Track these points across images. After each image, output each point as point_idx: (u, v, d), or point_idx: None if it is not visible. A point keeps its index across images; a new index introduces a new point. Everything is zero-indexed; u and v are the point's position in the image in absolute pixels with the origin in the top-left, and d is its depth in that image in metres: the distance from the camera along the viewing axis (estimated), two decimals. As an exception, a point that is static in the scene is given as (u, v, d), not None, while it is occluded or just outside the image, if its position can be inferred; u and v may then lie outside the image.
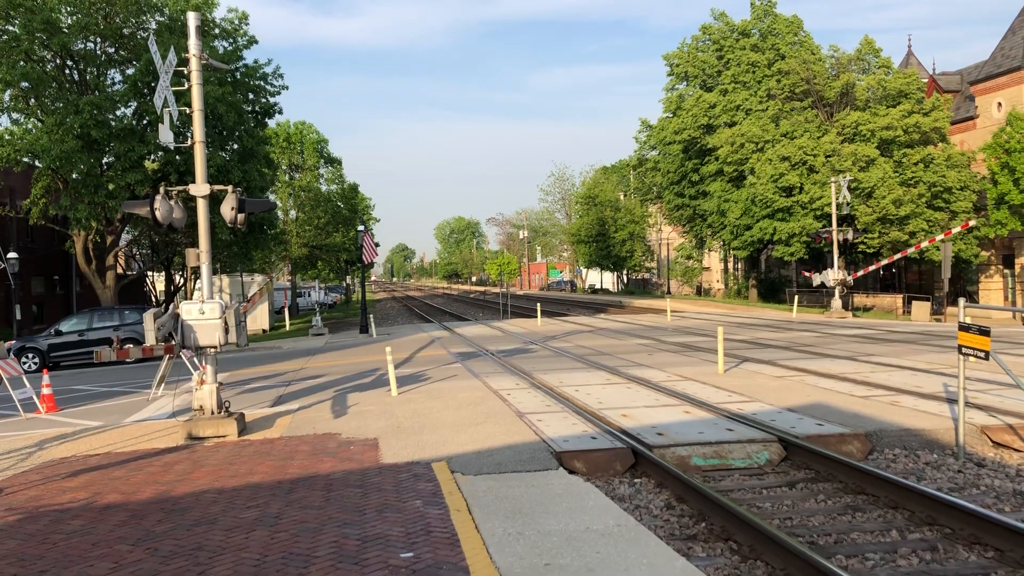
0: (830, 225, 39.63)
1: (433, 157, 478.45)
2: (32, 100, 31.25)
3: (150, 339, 11.35)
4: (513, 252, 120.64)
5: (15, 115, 31.61)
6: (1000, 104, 44.24)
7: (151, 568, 6.46)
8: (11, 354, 18.47)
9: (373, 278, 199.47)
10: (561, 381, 16.16)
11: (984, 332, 9.43)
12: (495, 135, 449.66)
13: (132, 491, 9.02)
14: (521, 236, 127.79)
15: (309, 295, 77.08)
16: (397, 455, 10.15)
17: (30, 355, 26.81)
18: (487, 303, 72.79)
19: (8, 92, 30.52)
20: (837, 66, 47.72)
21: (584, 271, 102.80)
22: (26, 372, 20.47)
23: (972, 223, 37.86)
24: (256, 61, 36.78)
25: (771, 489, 8.98)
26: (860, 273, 42.57)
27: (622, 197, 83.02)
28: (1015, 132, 38.12)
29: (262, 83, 36.76)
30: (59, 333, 27.76)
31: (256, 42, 36.83)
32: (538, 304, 44.38)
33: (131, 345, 14.93)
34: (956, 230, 36.52)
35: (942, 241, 34.15)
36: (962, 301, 10.32)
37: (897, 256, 39.00)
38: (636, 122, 75.52)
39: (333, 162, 70.58)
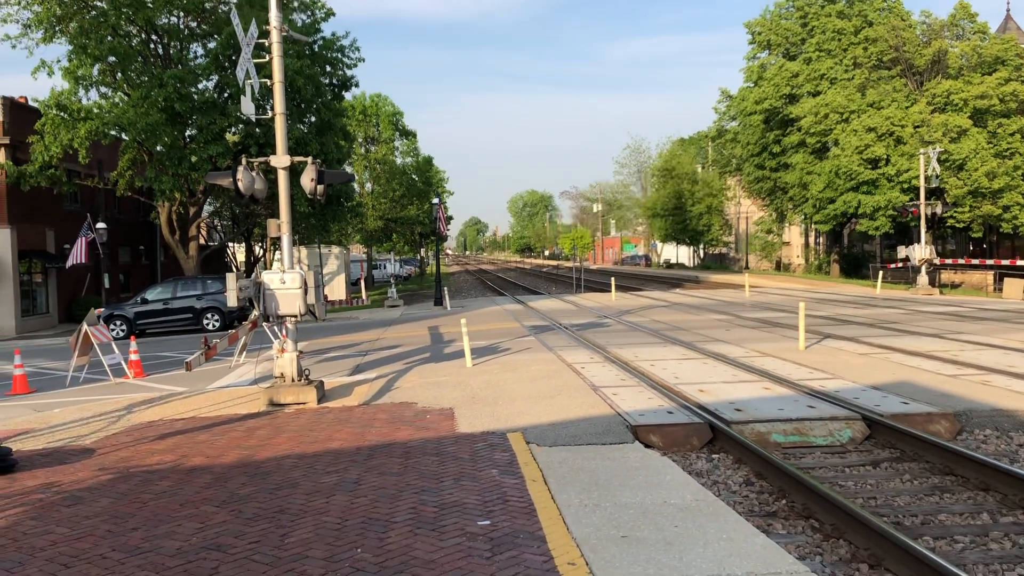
0: (917, 198, 38.27)
1: (507, 130, 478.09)
2: (119, 74, 32.09)
3: (232, 299, 11.60)
4: (587, 226, 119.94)
5: (103, 89, 32.55)
6: (1104, 71, 41.94)
7: (236, 529, 6.62)
8: (101, 321, 19.15)
9: (447, 251, 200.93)
10: (636, 355, 16.02)
11: (1086, 309, 8.97)
12: (571, 108, 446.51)
13: (216, 454, 9.27)
14: (595, 210, 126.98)
15: (384, 267, 78.05)
16: (472, 425, 10.20)
17: (118, 322, 27.76)
18: (560, 277, 72.65)
19: (96, 67, 31.39)
20: (928, 32, 45.87)
21: (659, 245, 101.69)
22: (114, 339, 21.21)
23: None
24: (333, 34, 37.09)
25: (854, 468, 8.75)
26: (969, 261, 40.86)
27: (700, 169, 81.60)
28: (1121, 100, 36.16)
29: (339, 56, 37.04)
30: (145, 301, 28.68)
31: (333, 14, 37.12)
32: (612, 278, 44.08)
33: (217, 341, 15.37)
34: None
35: None
36: (1062, 277, 9.84)
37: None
38: (715, 93, 74.02)
39: (408, 135, 70.97)
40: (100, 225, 32.64)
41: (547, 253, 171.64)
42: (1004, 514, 7.18)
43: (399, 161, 69.78)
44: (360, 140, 65.22)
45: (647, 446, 9.23)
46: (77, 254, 31.76)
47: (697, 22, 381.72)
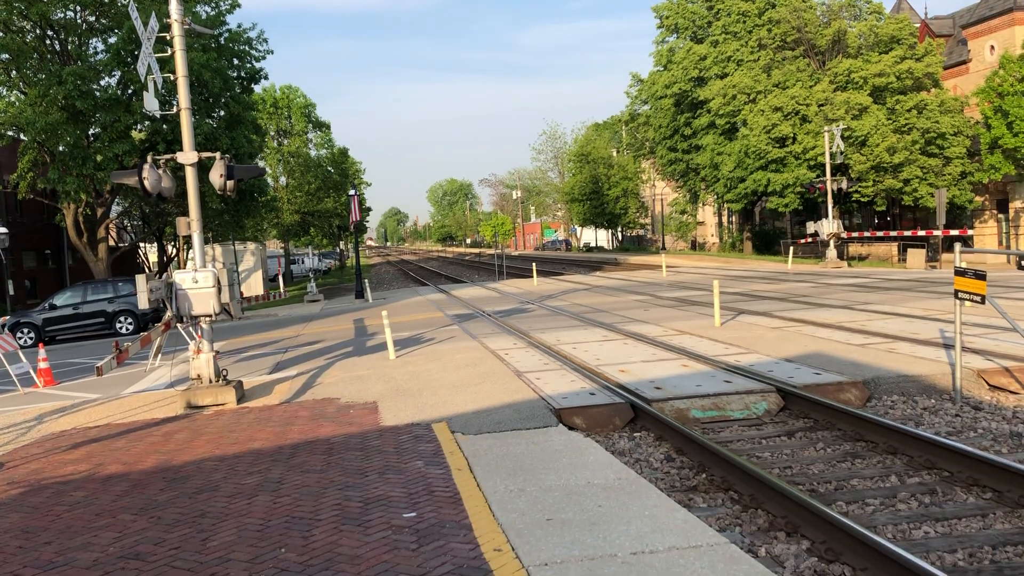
0: (824, 175, 39.50)
1: (424, 119, 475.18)
2: (13, 72, 30.77)
3: (142, 301, 11.30)
4: (507, 213, 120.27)
5: (-3, 88, 31.21)
6: (993, 47, 43.89)
7: (155, 536, 6.47)
8: (6, 329, 18.42)
9: (368, 242, 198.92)
10: (558, 339, 16.17)
11: (980, 276, 9.41)
12: (486, 95, 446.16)
13: (133, 461, 9.03)
14: (515, 196, 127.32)
15: (303, 262, 76.81)
16: (397, 417, 10.17)
17: (25, 330, 26.71)
18: (482, 265, 72.70)
19: (-12, 65, 30.11)
20: (828, 13, 47.22)
21: (579, 230, 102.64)
22: (22, 347, 20.43)
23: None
24: (240, 26, 36.33)
25: (770, 439, 9.01)
26: (874, 234, 42.32)
27: (615, 154, 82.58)
28: (1008, 75, 37.88)
29: (247, 48, 36.25)
30: (53, 307, 27.64)
31: (239, 6, 36.25)
32: (533, 264, 44.34)
33: (129, 344, 14.92)
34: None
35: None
36: (958, 246, 10.30)
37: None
38: (627, 78, 74.86)
39: (322, 126, 69.92)
40: (1, 230, 31.32)
41: (468, 241, 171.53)
42: (911, 475, 7.51)
43: (313, 153, 68.71)
44: (272, 133, 64.04)
45: (571, 428, 9.33)
46: None
47: (607, 8, 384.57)
